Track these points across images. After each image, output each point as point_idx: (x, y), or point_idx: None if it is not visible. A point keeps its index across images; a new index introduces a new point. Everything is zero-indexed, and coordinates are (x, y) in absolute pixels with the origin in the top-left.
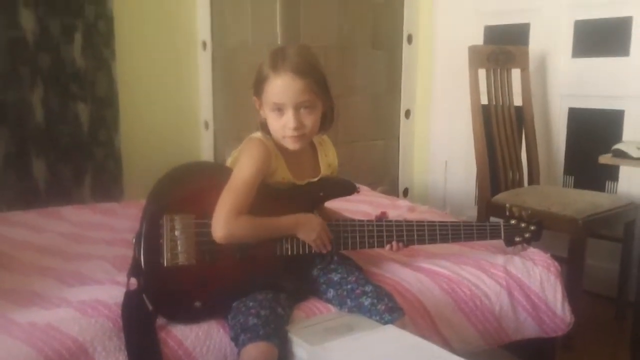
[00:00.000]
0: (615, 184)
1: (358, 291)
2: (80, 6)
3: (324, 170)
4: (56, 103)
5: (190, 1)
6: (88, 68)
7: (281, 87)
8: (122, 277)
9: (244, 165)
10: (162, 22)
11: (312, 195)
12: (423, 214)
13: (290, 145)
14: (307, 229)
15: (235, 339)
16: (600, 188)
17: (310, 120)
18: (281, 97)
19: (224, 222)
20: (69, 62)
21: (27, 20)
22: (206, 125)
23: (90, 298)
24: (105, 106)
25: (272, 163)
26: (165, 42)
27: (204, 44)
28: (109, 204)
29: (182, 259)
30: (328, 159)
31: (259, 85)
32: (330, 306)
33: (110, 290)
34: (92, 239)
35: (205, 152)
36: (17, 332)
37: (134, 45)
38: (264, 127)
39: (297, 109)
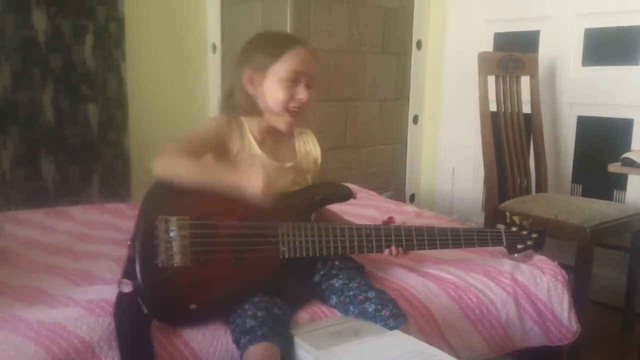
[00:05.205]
0: (624, 193)
1: (361, 297)
2: (91, 7)
3: (301, 157)
4: (66, 103)
5: (201, 4)
6: (98, 69)
7: (307, 57)
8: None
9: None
10: (172, 24)
11: (309, 200)
12: (430, 219)
13: (288, 120)
14: (250, 181)
15: (236, 342)
16: (609, 197)
17: (310, 99)
18: (304, 67)
19: (160, 158)
20: (79, 63)
21: (39, 20)
22: None
23: (98, 298)
24: (115, 107)
25: (235, 137)
26: (175, 44)
27: (214, 47)
28: (116, 204)
29: (177, 260)
30: (306, 147)
31: (271, 55)
32: (335, 310)
33: (117, 291)
34: (100, 239)
35: None
36: (26, 330)
37: (144, 47)
38: (250, 106)
39: (308, 85)
